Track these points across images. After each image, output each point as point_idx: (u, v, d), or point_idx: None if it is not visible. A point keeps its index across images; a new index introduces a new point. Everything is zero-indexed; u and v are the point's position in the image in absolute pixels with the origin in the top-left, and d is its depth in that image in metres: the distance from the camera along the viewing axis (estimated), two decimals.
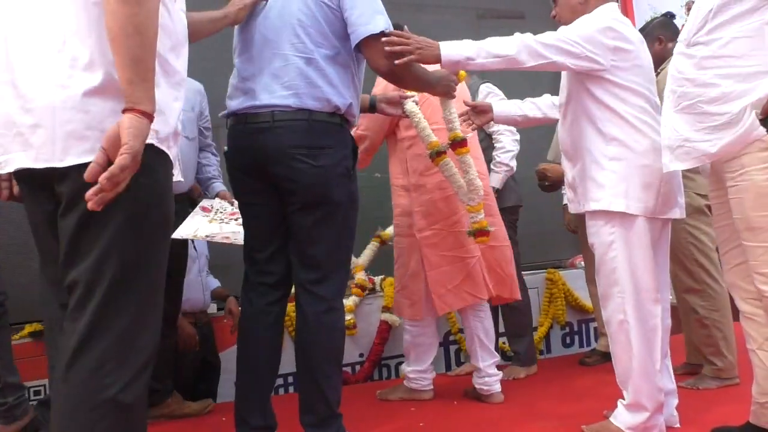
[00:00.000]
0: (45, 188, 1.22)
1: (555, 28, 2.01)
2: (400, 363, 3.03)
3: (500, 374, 2.64)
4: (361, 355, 3.32)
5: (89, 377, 1.14)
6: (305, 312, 1.95)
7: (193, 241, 2.74)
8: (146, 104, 1.13)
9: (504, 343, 3.43)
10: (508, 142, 2.99)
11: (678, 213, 2.03)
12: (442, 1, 4.38)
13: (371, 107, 2.39)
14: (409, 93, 2.43)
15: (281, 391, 3.15)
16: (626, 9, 4.70)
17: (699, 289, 2.64)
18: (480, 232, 2.35)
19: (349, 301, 3.24)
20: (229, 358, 2.99)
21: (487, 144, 3.06)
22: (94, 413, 1.14)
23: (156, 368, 2.37)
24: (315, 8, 1.90)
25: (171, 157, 1.28)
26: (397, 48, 1.87)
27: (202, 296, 3.04)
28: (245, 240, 2.09)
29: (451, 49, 1.92)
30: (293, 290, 2.05)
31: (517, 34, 1.94)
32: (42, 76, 1.16)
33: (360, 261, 3.48)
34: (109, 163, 1.09)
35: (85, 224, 1.16)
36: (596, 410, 2.27)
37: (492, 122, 2.49)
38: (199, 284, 3.02)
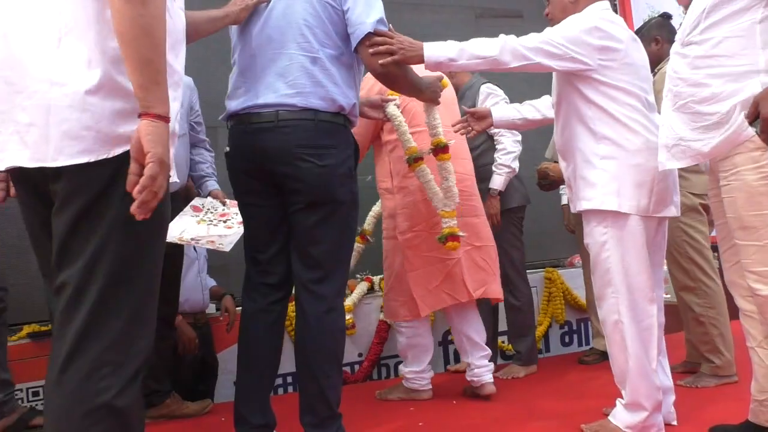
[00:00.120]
0: (39, 188, 1.21)
1: None
2: (399, 363, 3.02)
3: (491, 365, 2.65)
4: (360, 355, 3.33)
5: (84, 381, 1.13)
6: (306, 312, 1.95)
7: None
8: (160, 107, 1.13)
9: (503, 342, 3.44)
10: (509, 144, 2.99)
11: (674, 211, 2.03)
12: (440, 1, 4.38)
13: None
14: (390, 96, 2.45)
15: (280, 391, 3.15)
16: (624, 8, 4.71)
17: (694, 287, 2.65)
18: (451, 237, 2.37)
19: (348, 301, 3.24)
20: (226, 358, 2.99)
21: (489, 145, 3.06)
22: (89, 418, 1.12)
23: (155, 369, 2.42)
24: (320, 9, 1.91)
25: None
26: (381, 48, 1.89)
27: (202, 297, 3.04)
28: (246, 241, 2.08)
29: (435, 50, 1.94)
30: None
31: (501, 36, 1.95)
32: (38, 74, 1.15)
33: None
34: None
35: (78, 224, 1.15)
36: (596, 409, 2.27)
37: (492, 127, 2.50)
38: (199, 285, 3.01)
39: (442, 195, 2.40)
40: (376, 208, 3.17)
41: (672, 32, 2.70)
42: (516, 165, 3.01)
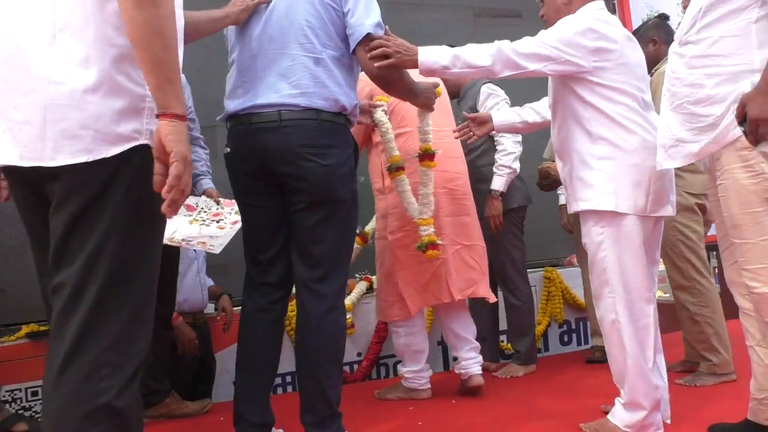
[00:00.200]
0: (35, 187, 1.20)
1: None
2: (398, 362, 3.02)
3: (479, 358, 2.68)
4: (359, 355, 3.33)
5: (83, 383, 1.12)
6: (308, 311, 1.95)
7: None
8: (177, 106, 1.14)
9: (502, 341, 3.44)
10: (509, 145, 2.99)
11: (670, 210, 2.04)
12: (439, 0, 4.38)
13: None
14: (378, 102, 2.47)
15: (280, 390, 3.15)
16: (623, 7, 4.71)
17: (688, 286, 2.66)
18: (431, 246, 2.38)
19: (347, 301, 3.24)
20: (225, 358, 2.99)
21: (489, 146, 3.06)
22: (89, 419, 1.11)
23: (153, 368, 2.41)
24: (322, 10, 1.91)
25: None
26: (377, 51, 1.90)
27: (201, 296, 3.04)
28: (247, 241, 2.07)
29: (429, 56, 1.94)
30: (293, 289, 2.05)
31: (496, 42, 1.95)
32: (34, 71, 1.14)
33: None
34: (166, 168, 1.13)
35: (76, 224, 1.14)
36: (594, 408, 2.27)
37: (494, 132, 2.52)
38: (198, 284, 3.01)
39: (417, 205, 2.43)
40: None
41: (669, 33, 2.71)
42: (517, 166, 3.01)
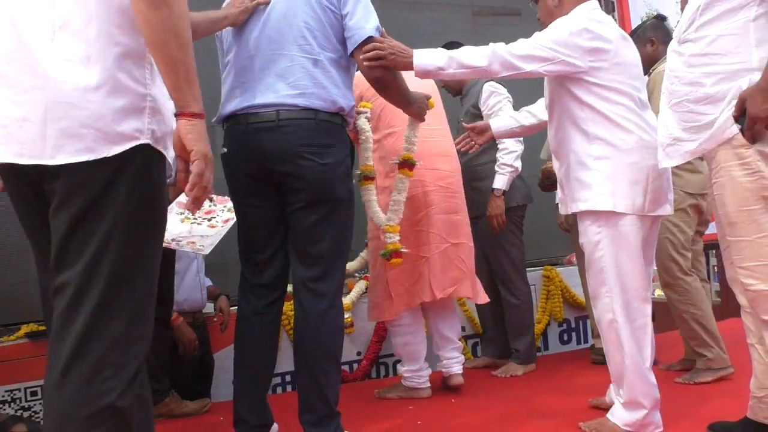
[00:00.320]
0: (35, 186, 1.19)
1: None
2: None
3: (461, 358, 2.74)
4: (358, 354, 3.32)
5: (86, 384, 1.12)
6: (306, 310, 1.95)
7: None
8: (195, 105, 1.17)
9: None
10: (510, 143, 2.98)
11: (668, 209, 2.04)
12: None
13: None
14: (361, 108, 2.48)
15: (279, 389, 3.15)
16: (621, 6, 4.71)
17: (673, 284, 2.68)
18: (394, 254, 2.40)
19: (346, 300, 3.24)
20: (224, 357, 2.99)
21: (489, 144, 3.05)
22: (92, 420, 1.11)
23: (153, 368, 2.41)
24: (321, 12, 1.92)
25: (168, 159, 1.26)
26: (371, 54, 1.90)
27: (200, 296, 3.04)
28: (243, 241, 2.07)
29: (424, 58, 1.94)
30: (290, 289, 2.05)
31: (491, 44, 1.95)
32: (34, 68, 1.13)
33: (350, 267, 3.43)
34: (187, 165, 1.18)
35: (78, 225, 1.13)
36: (594, 407, 2.27)
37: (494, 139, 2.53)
38: (197, 284, 3.01)
39: (382, 214, 2.45)
40: None
41: (667, 33, 2.71)
42: (518, 164, 3.00)
